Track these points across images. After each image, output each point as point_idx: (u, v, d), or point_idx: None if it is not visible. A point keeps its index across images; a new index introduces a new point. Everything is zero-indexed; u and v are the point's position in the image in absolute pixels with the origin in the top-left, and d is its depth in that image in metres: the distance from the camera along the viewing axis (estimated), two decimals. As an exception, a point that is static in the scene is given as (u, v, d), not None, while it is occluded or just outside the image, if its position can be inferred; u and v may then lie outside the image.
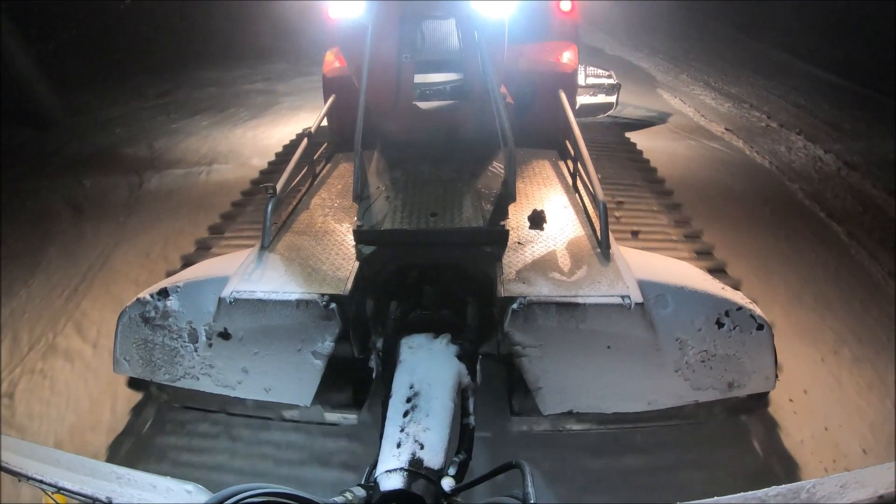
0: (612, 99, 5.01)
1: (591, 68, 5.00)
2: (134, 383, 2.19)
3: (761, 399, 2.01)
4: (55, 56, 8.01)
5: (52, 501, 1.14)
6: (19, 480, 1.12)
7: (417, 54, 2.45)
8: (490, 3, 2.29)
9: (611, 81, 4.96)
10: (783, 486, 0.98)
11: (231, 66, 8.57)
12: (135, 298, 1.99)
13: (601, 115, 5.11)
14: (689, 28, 9.56)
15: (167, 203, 4.36)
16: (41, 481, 1.08)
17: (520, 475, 1.10)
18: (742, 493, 1.00)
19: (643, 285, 1.80)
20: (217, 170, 4.92)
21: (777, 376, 1.85)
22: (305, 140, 2.71)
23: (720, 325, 1.78)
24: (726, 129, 5.45)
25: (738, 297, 1.85)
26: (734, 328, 1.78)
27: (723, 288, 1.89)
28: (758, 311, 1.83)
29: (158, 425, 2.31)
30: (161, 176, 4.87)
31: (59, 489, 1.07)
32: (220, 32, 9.80)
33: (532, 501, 1.01)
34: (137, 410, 2.40)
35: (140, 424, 2.33)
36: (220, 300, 1.87)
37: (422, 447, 1.29)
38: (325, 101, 3.17)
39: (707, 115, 5.93)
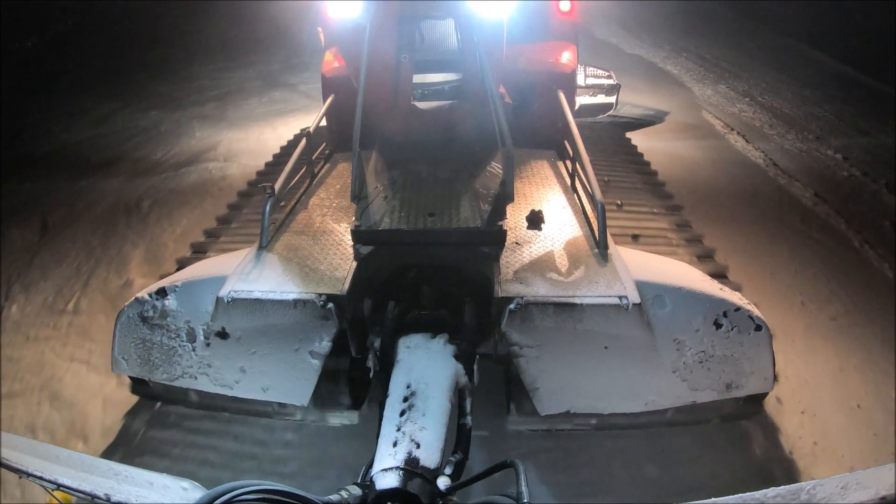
0: (612, 99, 4.99)
1: (591, 68, 4.98)
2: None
3: (760, 400, 2.00)
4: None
5: (54, 500, 1.15)
6: (20, 477, 1.12)
7: (416, 54, 2.45)
8: (489, 4, 2.29)
9: (610, 82, 4.95)
10: (782, 487, 0.97)
11: (190, 76, 7.56)
12: (133, 298, 2.00)
13: (600, 116, 5.10)
14: (706, 21, 8.74)
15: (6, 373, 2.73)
16: (41, 478, 1.08)
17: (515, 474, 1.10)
18: (741, 495, 0.99)
19: (641, 286, 1.80)
20: (87, 304, 3.28)
21: (775, 377, 1.84)
22: (304, 140, 2.71)
23: (718, 325, 1.77)
24: (816, 196, 4.13)
25: (736, 298, 1.84)
26: (732, 329, 1.78)
27: (721, 289, 1.89)
28: (756, 311, 1.82)
29: (156, 424, 2.31)
30: (28, 297, 3.35)
31: (59, 486, 1.08)
32: (188, 30, 9.28)
33: (525, 501, 1.01)
34: (135, 409, 2.39)
35: (138, 423, 2.33)
36: (218, 300, 1.87)
37: (418, 446, 1.29)
38: (324, 101, 3.17)
39: (779, 160, 4.68)
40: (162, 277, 2.56)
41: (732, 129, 5.39)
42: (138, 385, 2.18)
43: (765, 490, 0.98)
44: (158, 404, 2.35)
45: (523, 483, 1.06)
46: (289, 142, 4.60)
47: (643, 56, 7.69)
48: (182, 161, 5.19)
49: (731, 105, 5.97)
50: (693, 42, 8.00)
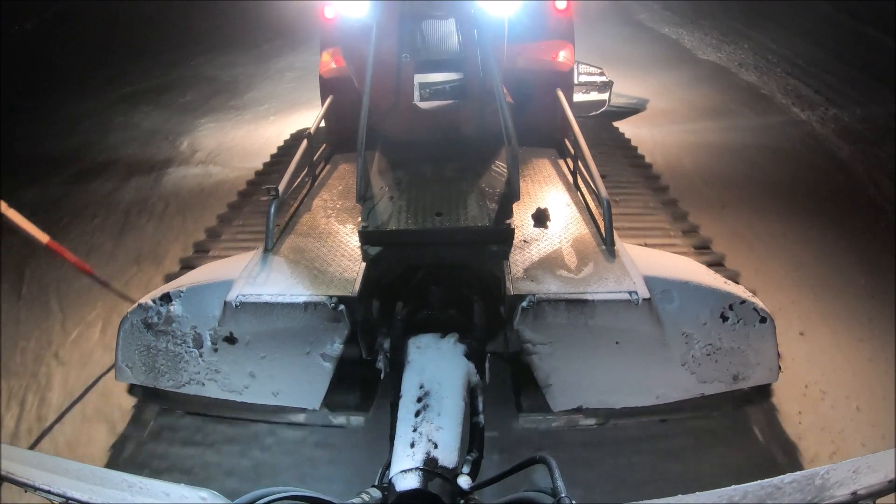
0: (605, 96, 5.02)
1: (583, 65, 5.00)
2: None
3: (765, 390, 2.03)
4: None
5: None
6: (25, 491, 1.10)
7: (417, 54, 2.44)
8: (490, 3, 2.29)
9: (603, 79, 4.98)
10: (797, 473, 0.99)
11: (77, 124, 5.41)
12: (136, 304, 1.97)
13: (593, 113, 5.12)
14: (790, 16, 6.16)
15: None
16: (49, 492, 1.05)
17: (532, 473, 1.10)
18: (758, 482, 1.01)
19: (649, 281, 1.82)
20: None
21: (780, 368, 1.87)
22: (305, 142, 2.69)
23: (724, 318, 1.80)
24: None
25: (740, 291, 1.87)
26: (738, 321, 1.80)
27: (726, 282, 1.92)
28: (760, 304, 1.85)
29: (164, 432, 2.28)
30: None
31: (69, 499, 1.05)
32: (157, 33, 8.42)
33: (564, 495, 1.01)
34: (140, 417, 2.36)
35: (144, 431, 2.30)
36: (226, 304, 1.85)
37: (436, 446, 1.29)
38: (323, 103, 3.15)
39: None
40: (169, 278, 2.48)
41: None
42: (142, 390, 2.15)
43: (781, 476, 1.00)
44: (158, 412, 2.32)
45: (558, 478, 1.06)
46: (285, 141, 4.55)
47: (728, 67, 4.88)
48: None
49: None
50: (770, 36, 5.11)
